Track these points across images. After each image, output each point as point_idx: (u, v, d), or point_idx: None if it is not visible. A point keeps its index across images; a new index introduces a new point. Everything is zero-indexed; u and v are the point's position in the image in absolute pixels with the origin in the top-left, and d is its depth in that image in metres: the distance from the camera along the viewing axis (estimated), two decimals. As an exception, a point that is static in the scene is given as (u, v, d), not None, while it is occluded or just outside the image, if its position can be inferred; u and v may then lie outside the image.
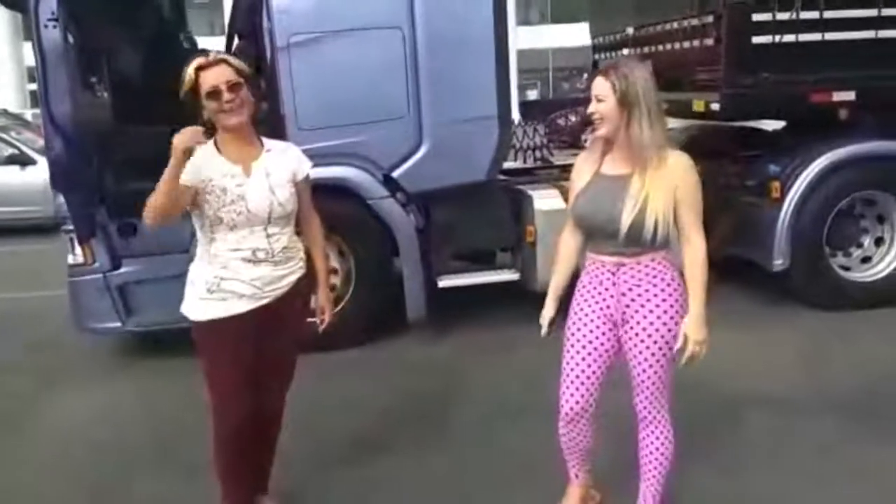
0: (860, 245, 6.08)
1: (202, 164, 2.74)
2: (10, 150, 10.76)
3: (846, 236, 6.03)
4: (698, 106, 5.97)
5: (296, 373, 3.18)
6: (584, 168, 2.84)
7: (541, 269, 5.41)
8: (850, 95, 5.66)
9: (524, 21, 34.83)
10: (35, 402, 4.80)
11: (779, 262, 5.79)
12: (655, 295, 2.72)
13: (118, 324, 5.33)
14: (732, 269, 6.34)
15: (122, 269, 5.29)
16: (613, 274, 2.76)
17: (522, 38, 30.92)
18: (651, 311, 2.72)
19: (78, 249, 5.24)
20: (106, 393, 4.97)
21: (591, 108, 2.67)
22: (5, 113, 14.22)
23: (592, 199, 2.75)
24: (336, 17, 5.10)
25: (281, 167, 2.89)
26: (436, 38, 5.13)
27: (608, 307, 2.79)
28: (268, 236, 2.85)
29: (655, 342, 2.73)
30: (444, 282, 5.60)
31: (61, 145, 4.65)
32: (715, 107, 5.75)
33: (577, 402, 2.86)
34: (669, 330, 2.72)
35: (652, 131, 2.61)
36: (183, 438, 4.01)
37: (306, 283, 3.07)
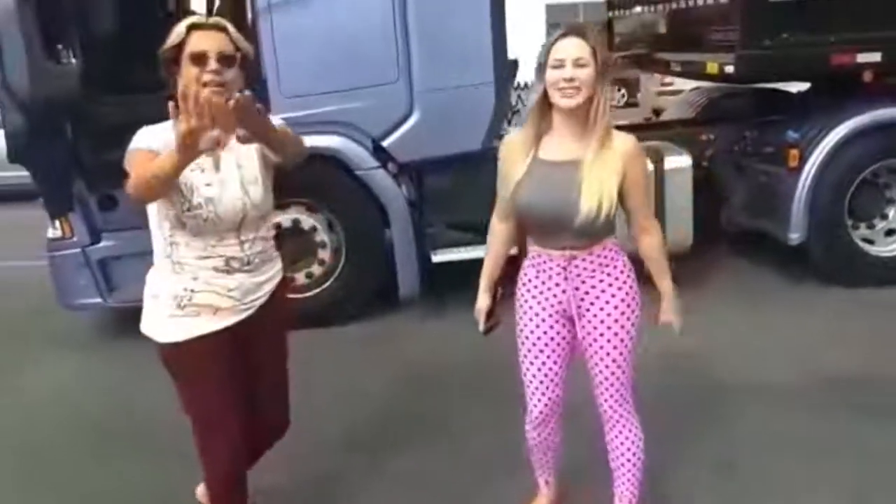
0: (885, 216, 5.70)
1: (166, 145, 2.24)
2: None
3: (869, 207, 5.65)
4: (711, 68, 5.60)
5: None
6: (516, 152, 2.51)
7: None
8: (875, 57, 5.25)
9: (552, -27, 33.86)
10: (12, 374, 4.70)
11: (795, 236, 5.47)
12: (610, 285, 2.53)
13: (99, 300, 5.16)
14: (745, 243, 6.07)
15: (102, 244, 5.10)
16: (564, 268, 2.53)
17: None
18: (607, 303, 2.53)
19: (57, 223, 5.06)
20: (84, 367, 4.85)
21: (568, 72, 2.32)
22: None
23: (539, 188, 2.45)
24: (320, -25, 4.80)
25: (252, 153, 2.45)
26: (426, -2, 4.80)
27: (560, 303, 2.58)
28: (241, 243, 2.43)
29: (616, 334, 2.54)
30: (439, 256, 5.34)
31: (19, 117, 4.42)
32: (729, 69, 5.38)
33: (546, 404, 2.69)
34: (628, 319, 2.55)
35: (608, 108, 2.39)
36: (158, 423, 3.79)
37: (285, 286, 2.72)
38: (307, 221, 5.21)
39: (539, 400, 2.68)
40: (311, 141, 4.67)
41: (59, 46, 4.56)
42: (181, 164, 2.11)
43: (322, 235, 5.26)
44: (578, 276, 2.52)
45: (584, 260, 2.51)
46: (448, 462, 3.53)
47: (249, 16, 4.92)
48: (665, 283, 2.61)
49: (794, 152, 5.44)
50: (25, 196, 5.95)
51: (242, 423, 2.56)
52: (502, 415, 3.81)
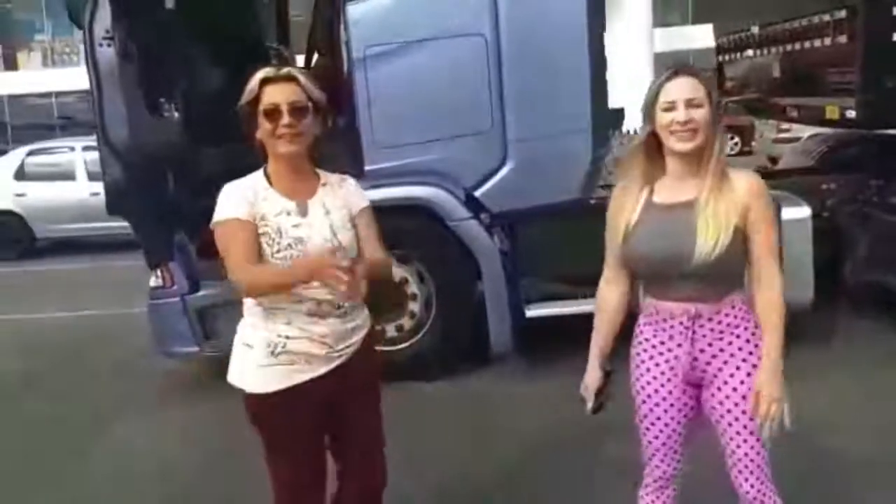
0: None
1: (253, 196, 2.35)
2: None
3: None
4: (832, 112, 5.25)
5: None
6: (625, 202, 2.34)
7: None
8: None
9: (662, 23, 33.50)
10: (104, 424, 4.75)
11: (929, 293, 4.96)
12: (740, 348, 2.29)
13: (195, 348, 5.21)
14: (868, 300, 5.56)
15: (201, 293, 5.16)
16: (687, 328, 2.29)
17: (660, 40, 29.74)
18: (738, 369, 2.29)
19: (158, 272, 5.17)
20: (176, 420, 4.85)
21: (682, 115, 2.18)
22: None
23: (653, 233, 2.27)
24: (414, 25, 4.78)
25: (339, 204, 2.44)
26: (521, 45, 4.71)
27: (682, 367, 2.34)
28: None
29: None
30: (533, 311, 5.13)
31: (118, 169, 4.55)
32: (851, 113, 5.02)
33: (665, 471, 2.48)
34: None
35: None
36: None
37: (374, 336, 2.66)
38: (398, 273, 5.10)
39: (658, 465, 2.47)
40: (403, 191, 4.82)
41: (161, 100, 4.69)
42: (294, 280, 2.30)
43: (413, 287, 5.15)
44: (704, 337, 2.30)
45: (710, 321, 2.28)
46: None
47: (345, 66, 4.93)
48: (770, 351, 2.26)
49: (926, 202, 5.01)
50: (127, 245, 6.13)
51: (323, 485, 2.49)
52: (595, 485, 3.59)
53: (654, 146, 2.29)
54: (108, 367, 5.92)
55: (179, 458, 4.29)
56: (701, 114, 2.19)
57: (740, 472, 2.34)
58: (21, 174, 11.47)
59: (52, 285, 9.39)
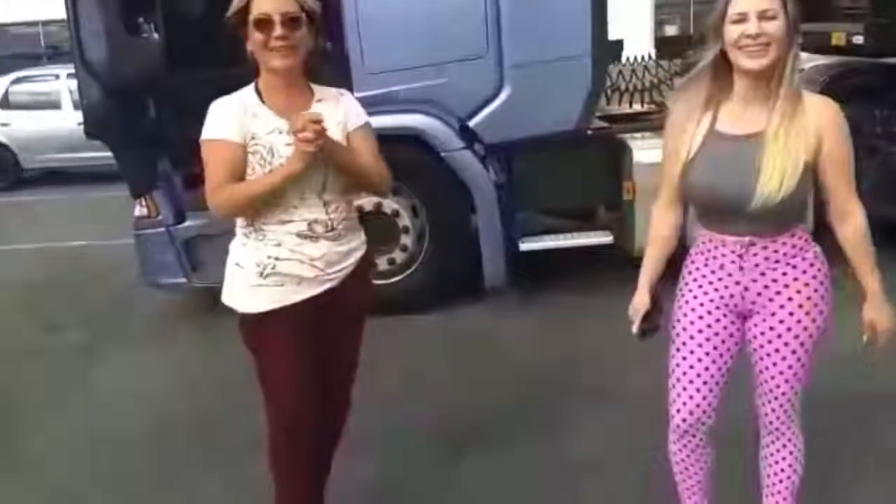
0: None
1: (243, 115, 2.25)
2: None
3: None
4: (837, 38, 5.08)
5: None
6: (686, 123, 2.17)
7: (640, 231, 4.80)
8: None
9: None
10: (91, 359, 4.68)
11: (937, 225, 4.84)
12: (795, 279, 2.15)
13: (183, 279, 5.11)
14: (878, 234, 5.45)
15: (187, 223, 5.03)
16: (741, 257, 2.17)
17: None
18: (790, 299, 2.16)
19: (143, 201, 5.04)
20: (162, 357, 4.77)
21: (753, 27, 1.97)
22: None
23: (714, 167, 2.11)
24: (406, -57, 4.55)
25: (333, 121, 2.32)
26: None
27: (732, 296, 2.22)
28: (324, 204, 2.31)
29: (797, 337, 2.17)
30: (527, 244, 5.04)
31: (96, 92, 4.36)
32: (858, 39, 4.83)
33: (692, 412, 2.28)
34: (814, 321, 2.17)
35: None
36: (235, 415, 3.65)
37: (369, 262, 2.56)
38: (389, 205, 4.98)
39: (685, 403, 2.27)
40: (393, 120, 4.65)
41: (141, 20, 4.48)
42: (287, 184, 2.22)
43: (405, 220, 5.02)
44: (757, 266, 2.16)
45: (765, 248, 2.14)
46: (513, 472, 3.22)
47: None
48: (870, 279, 2.16)
49: (935, 134, 4.86)
50: (110, 177, 5.98)
51: (316, 397, 2.43)
52: (581, 417, 3.56)
53: (721, 68, 2.10)
54: (102, 299, 5.83)
55: (171, 389, 4.22)
56: (775, 27, 1.97)
57: (767, 402, 2.26)
58: (6, 103, 11.22)
59: (41, 216, 9.26)
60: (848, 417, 3.36)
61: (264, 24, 2.18)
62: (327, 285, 2.36)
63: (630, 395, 3.61)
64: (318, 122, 2.13)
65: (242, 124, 2.23)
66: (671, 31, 29.00)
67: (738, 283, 2.19)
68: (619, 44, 6.19)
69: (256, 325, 2.36)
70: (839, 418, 3.29)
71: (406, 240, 5.05)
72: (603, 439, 3.38)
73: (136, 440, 3.69)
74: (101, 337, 5.05)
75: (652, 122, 5.60)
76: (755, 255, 2.15)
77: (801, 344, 2.17)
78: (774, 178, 2.01)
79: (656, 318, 2.37)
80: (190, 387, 4.23)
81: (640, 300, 2.35)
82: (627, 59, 6.60)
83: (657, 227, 2.35)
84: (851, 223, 2.12)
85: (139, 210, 5.12)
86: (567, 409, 3.67)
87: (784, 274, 2.15)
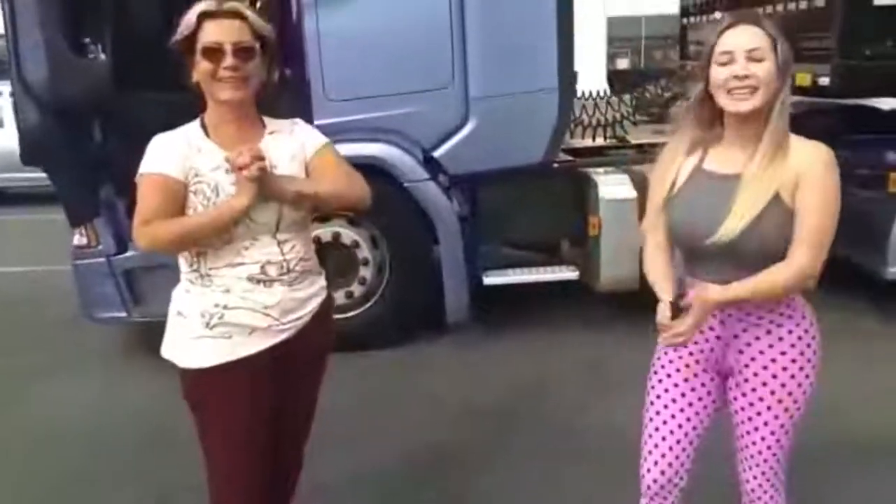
0: None
1: (186, 149, 2.04)
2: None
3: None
4: (802, 79, 5.06)
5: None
6: (677, 159, 2.07)
7: (605, 266, 4.72)
8: None
9: (616, -14, 33.36)
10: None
11: (894, 270, 4.84)
12: (780, 339, 2.03)
13: (124, 313, 4.80)
14: (839, 275, 5.45)
15: (129, 253, 4.73)
16: (721, 310, 2.03)
17: (613, 4, 29.65)
18: (773, 361, 2.03)
19: (83, 229, 4.73)
20: (101, 386, 4.50)
21: (740, 68, 1.88)
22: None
23: (691, 202, 2.02)
24: (371, -31, 4.40)
25: (287, 154, 2.13)
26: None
27: (712, 350, 2.10)
28: (279, 244, 2.10)
29: (781, 402, 2.04)
30: (491, 278, 4.90)
31: (34, 114, 4.07)
32: (823, 80, 4.83)
33: (664, 472, 2.15)
34: (799, 385, 2.04)
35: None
36: (166, 454, 3.48)
37: (330, 308, 2.33)
38: (348, 235, 4.78)
39: (656, 463, 2.14)
40: (355, 149, 4.45)
41: (87, 40, 4.22)
42: (229, 227, 2.03)
43: (364, 252, 4.82)
44: (740, 321, 2.04)
45: (748, 301, 1.99)
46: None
47: (294, 11, 4.53)
48: (741, 286, 1.94)
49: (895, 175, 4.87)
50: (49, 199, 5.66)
51: (268, 475, 2.19)
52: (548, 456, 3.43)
53: (709, 109, 2.00)
54: (39, 327, 5.52)
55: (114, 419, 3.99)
56: (763, 69, 1.88)
57: (751, 466, 2.13)
58: (-57, 120, 10.68)
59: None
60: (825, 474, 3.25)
61: (214, 52, 1.99)
62: (282, 336, 2.13)
63: (595, 431, 3.55)
64: (261, 158, 1.95)
65: (185, 159, 2.02)
66: (623, 64, 29.64)
67: (718, 337, 2.08)
68: (574, 76, 6.15)
69: (199, 379, 2.11)
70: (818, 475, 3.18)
71: (365, 272, 4.84)
72: (567, 476, 3.29)
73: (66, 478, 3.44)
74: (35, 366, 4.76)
75: (612, 158, 5.55)
76: (739, 308, 2.02)
77: (785, 410, 2.06)
78: (738, 215, 1.92)
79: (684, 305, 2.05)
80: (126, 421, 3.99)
81: (663, 316, 2.04)
82: (583, 93, 6.58)
83: (654, 267, 2.13)
84: (790, 264, 1.92)
85: (78, 239, 4.79)
86: (529, 444, 3.58)
87: (768, 332, 2.04)
